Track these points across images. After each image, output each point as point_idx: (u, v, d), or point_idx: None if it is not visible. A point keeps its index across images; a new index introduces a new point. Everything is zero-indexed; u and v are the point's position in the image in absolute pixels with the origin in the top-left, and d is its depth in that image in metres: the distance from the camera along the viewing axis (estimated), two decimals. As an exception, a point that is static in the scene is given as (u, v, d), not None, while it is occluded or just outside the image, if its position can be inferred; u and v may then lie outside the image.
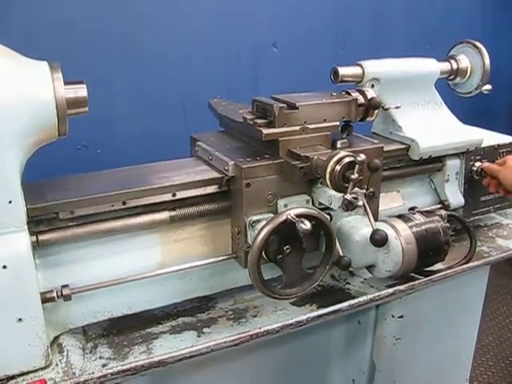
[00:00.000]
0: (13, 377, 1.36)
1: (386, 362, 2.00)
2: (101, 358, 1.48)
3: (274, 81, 3.36)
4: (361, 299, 1.68)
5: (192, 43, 3.09)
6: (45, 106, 1.26)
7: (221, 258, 1.64)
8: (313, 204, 1.63)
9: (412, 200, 2.02)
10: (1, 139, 1.22)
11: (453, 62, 2.16)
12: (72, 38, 2.69)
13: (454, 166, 2.05)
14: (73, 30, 2.70)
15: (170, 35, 3.02)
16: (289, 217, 1.41)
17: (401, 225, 1.65)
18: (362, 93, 1.77)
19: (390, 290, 1.72)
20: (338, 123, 1.68)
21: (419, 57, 2.07)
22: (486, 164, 2.05)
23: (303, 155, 1.53)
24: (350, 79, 1.90)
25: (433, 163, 2.03)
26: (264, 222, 1.46)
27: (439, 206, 2.05)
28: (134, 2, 2.89)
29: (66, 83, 1.29)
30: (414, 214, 1.72)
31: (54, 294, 1.42)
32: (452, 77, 2.19)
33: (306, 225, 1.38)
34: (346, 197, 1.46)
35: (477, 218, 2.18)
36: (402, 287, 1.74)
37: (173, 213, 1.57)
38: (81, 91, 1.33)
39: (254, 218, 1.55)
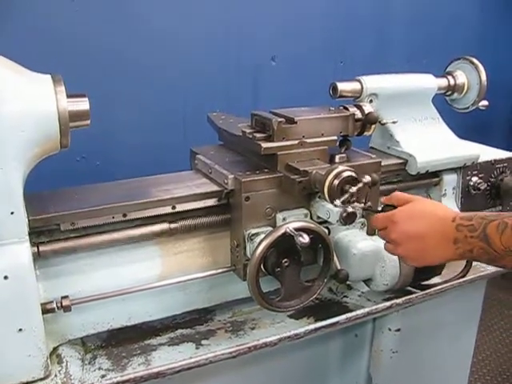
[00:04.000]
0: (12, 387, 1.36)
1: (382, 376, 2.00)
2: (100, 369, 1.48)
3: (273, 94, 3.37)
4: (358, 312, 1.69)
5: (192, 56, 3.11)
6: (48, 119, 1.27)
7: (220, 271, 1.65)
8: (311, 218, 1.64)
9: (409, 214, 2.02)
10: (4, 151, 1.23)
11: (450, 78, 2.19)
12: (72, 50, 2.71)
13: (450, 180, 2.07)
14: (73, 42, 2.72)
15: (170, 48, 3.03)
16: (287, 230, 1.42)
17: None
18: (360, 108, 1.79)
19: (387, 304, 1.73)
20: (335, 138, 1.70)
21: (417, 72, 2.10)
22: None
23: (302, 169, 1.55)
24: (348, 94, 1.92)
25: (430, 178, 2.05)
26: (263, 236, 1.48)
27: (436, 220, 2.07)
28: (134, 15, 2.91)
29: (68, 96, 1.30)
30: (411, 228, 1.73)
31: (54, 305, 1.43)
32: (449, 92, 2.22)
33: (305, 238, 1.40)
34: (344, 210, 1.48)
35: (473, 232, 2.19)
36: (399, 301, 1.74)
37: (173, 225, 1.58)
38: (83, 104, 1.35)
39: (253, 231, 1.56)
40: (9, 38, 2.51)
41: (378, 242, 1.60)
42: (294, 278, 1.54)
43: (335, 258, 1.58)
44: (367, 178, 1.46)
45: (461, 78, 2.18)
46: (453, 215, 1.36)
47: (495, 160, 2.15)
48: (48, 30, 2.65)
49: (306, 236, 1.40)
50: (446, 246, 1.35)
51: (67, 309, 1.45)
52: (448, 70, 2.24)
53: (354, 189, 1.45)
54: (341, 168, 1.47)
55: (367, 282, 1.76)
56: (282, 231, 1.42)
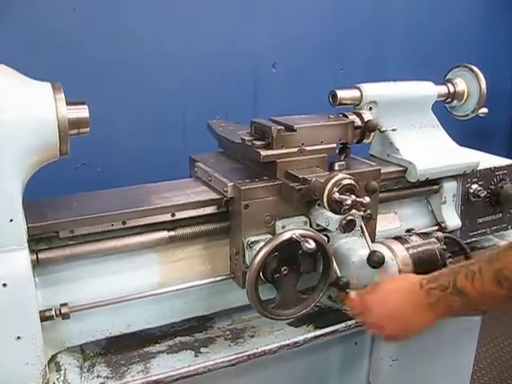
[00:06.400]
0: (10, 395, 1.36)
1: (382, 384, 2.00)
2: (98, 376, 1.48)
3: (273, 101, 3.38)
4: (358, 320, 1.69)
5: (192, 63, 3.12)
6: (47, 126, 1.27)
7: (219, 278, 1.65)
8: (310, 225, 1.64)
9: (409, 222, 2.03)
10: (3, 158, 1.23)
11: (450, 85, 2.19)
12: (72, 58, 2.72)
13: (450, 188, 2.07)
14: (73, 50, 2.73)
15: (170, 55, 3.05)
16: (294, 236, 1.42)
17: (398, 246, 1.66)
18: (359, 115, 1.79)
19: (387, 312, 1.72)
20: (334, 145, 1.70)
21: (417, 79, 2.10)
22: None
23: (301, 177, 1.55)
24: (348, 102, 1.92)
25: (430, 185, 2.05)
26: (262, 243, 1.47)
27: (436, 227, 2.06)
28: (134, 23, 2.92)
29: (68, 104, 1.30)
30: (411, 235, 1.73)
31: (53, 313, 1.43)
32: (449, 100, 2.22)
33: (311, 244, 1.40)
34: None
35: (474, 239, 2.19)
36: (398, 309, 1.74)
37: (172, 233, 1.58)
38: (82, 112, 1.35)
39: (252, 238, 1.56)
40: (9, 45, 2.51)
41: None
42: (291, 286, 1.54)
43: (335, 265, 1.58)
44: (366, 200, 1.46)
45: (460, 85, 2.19)
46: (419, 282, 1.43)
47: (495, 167, 2.15)
48: (49, 37, 2.66)
49: (311, 241, 1.40)
50: (423, 313, 1.43)
51: (66, 316, 1.45)
52: (448, 77, 2.24)
53: (353, 196, 1.45)
54: (340, 176, 1.47)
55: (367, 289, 1.75)
56: (281, 239, 1.42)
